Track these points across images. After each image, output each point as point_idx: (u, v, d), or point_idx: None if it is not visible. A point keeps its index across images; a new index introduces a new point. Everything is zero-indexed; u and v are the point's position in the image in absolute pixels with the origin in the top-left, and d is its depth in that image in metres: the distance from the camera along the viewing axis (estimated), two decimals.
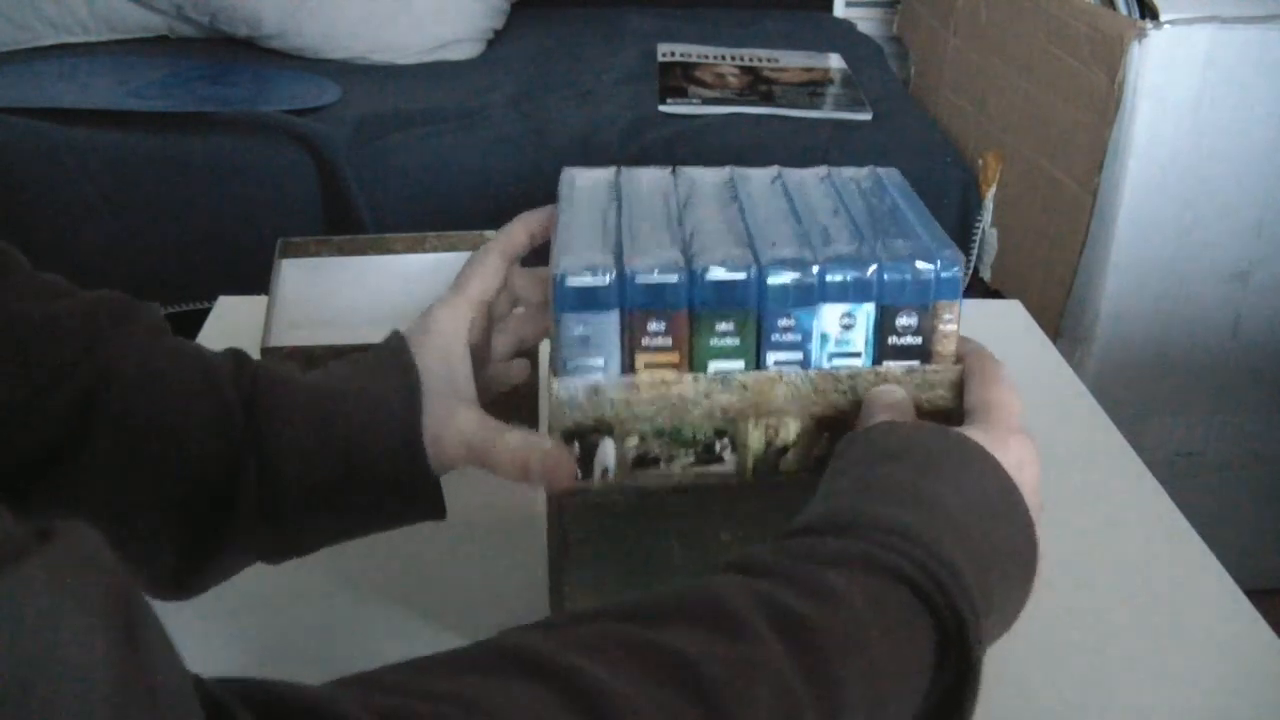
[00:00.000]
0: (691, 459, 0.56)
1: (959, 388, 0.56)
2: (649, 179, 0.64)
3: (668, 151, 1.66)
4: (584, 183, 0.63)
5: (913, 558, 0.44)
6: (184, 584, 0.56)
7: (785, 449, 0.57)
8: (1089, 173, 1.47)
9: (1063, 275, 1.53)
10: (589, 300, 0.53)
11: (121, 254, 1.61)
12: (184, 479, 0.53)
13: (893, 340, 0.55)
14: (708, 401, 0.55)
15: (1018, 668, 0.65)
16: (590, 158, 1.65)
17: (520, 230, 0.62)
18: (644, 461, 0.56)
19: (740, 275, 0.53)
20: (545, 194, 0.62)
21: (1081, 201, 1.49)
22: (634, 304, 0.53)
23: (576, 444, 0.56)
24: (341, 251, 0.90)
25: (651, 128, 1.72)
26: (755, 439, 0.56)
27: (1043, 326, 1.02)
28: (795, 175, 0.64)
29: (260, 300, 0.85)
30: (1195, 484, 1.60)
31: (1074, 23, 1.50)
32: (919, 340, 0.55)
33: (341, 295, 0.90)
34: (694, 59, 2.02)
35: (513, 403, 0.67)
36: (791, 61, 2.02)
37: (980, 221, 1.70)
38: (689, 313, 0.54)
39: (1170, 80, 1.39)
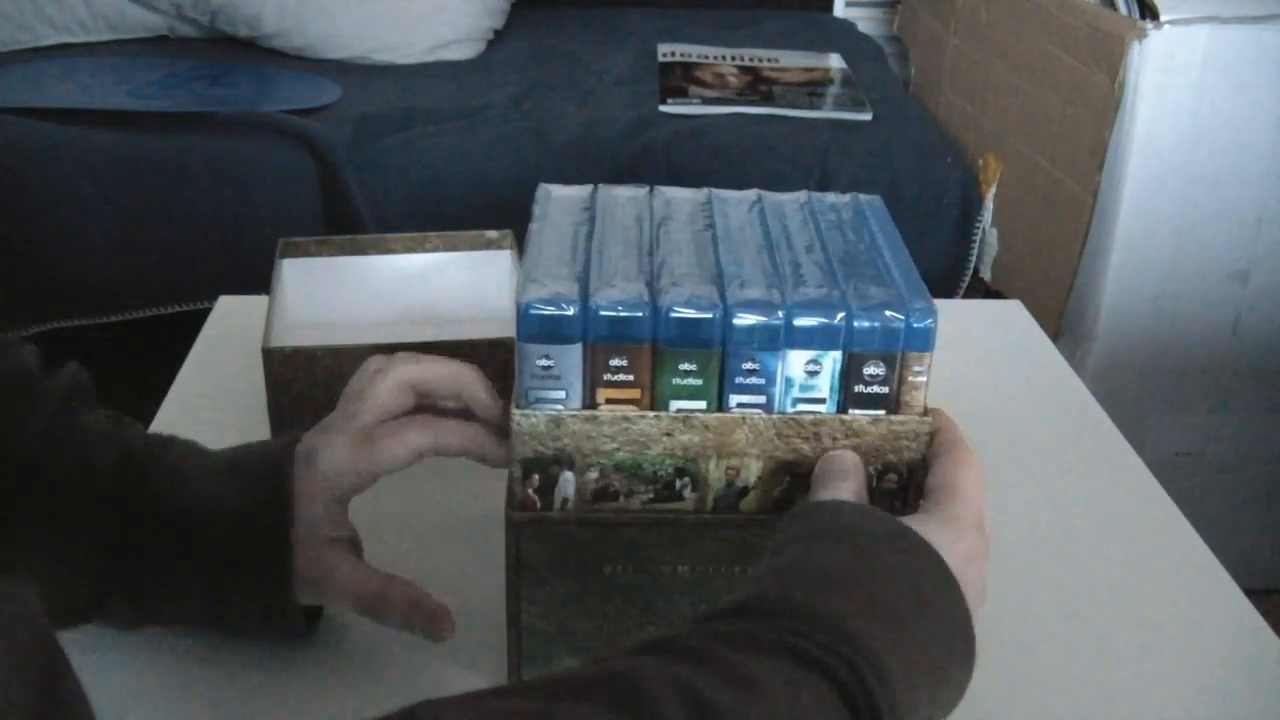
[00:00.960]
0: (651, 495, 0.56)
1: (925, 440, 0.55)
2: (625, 197, 0.63)
3: (667, 152, 1.66)
4: (559, 199, 0.62)
5: (840, 654, 0.44)
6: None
7: (746, 490, 0.57)
8: (1089, 173, 1.47)
9: (1063, 275, 1.54)
10: (552, 331, 0.53)
11: (121, 254, 1.61)
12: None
13: (859, 389, 0.55)
14: (669, 440, 0.55)
15: (1018, 668, 0.65)
16: (590, 158, 1.66)
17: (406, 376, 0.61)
18: (604, 495, 0.56)
19: (706, 315, 0.53)
20: None
21: (1081, 201, 1.49)
22: (597, 337, 0.53)
23: (536, 475, 0.56)
24: (341, 251, 0.90)
25: (651, 128, 1.72)
26: (716, 479, 0.56)
27: (1043, 326, 1.02)
28: (774, 200, 0.64)
29: (260, 300, 0.85)
30: (1195, 484, 1.60)
31: (1074, 23, 1.50)
32: (886, 390, 0.55)
33: (341, 295, 0.90)
34: (694, 59, 2.02)
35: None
36: (792, 61, 2.02)
37: (980, 221, 1.70)
38: (652, 348, 0.53)
39: (1170, 80, 1.39)
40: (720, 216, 0.61)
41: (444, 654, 0.63)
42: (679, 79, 1.91)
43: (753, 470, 0.56)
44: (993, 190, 1.70)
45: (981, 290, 1.72)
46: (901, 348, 0.54)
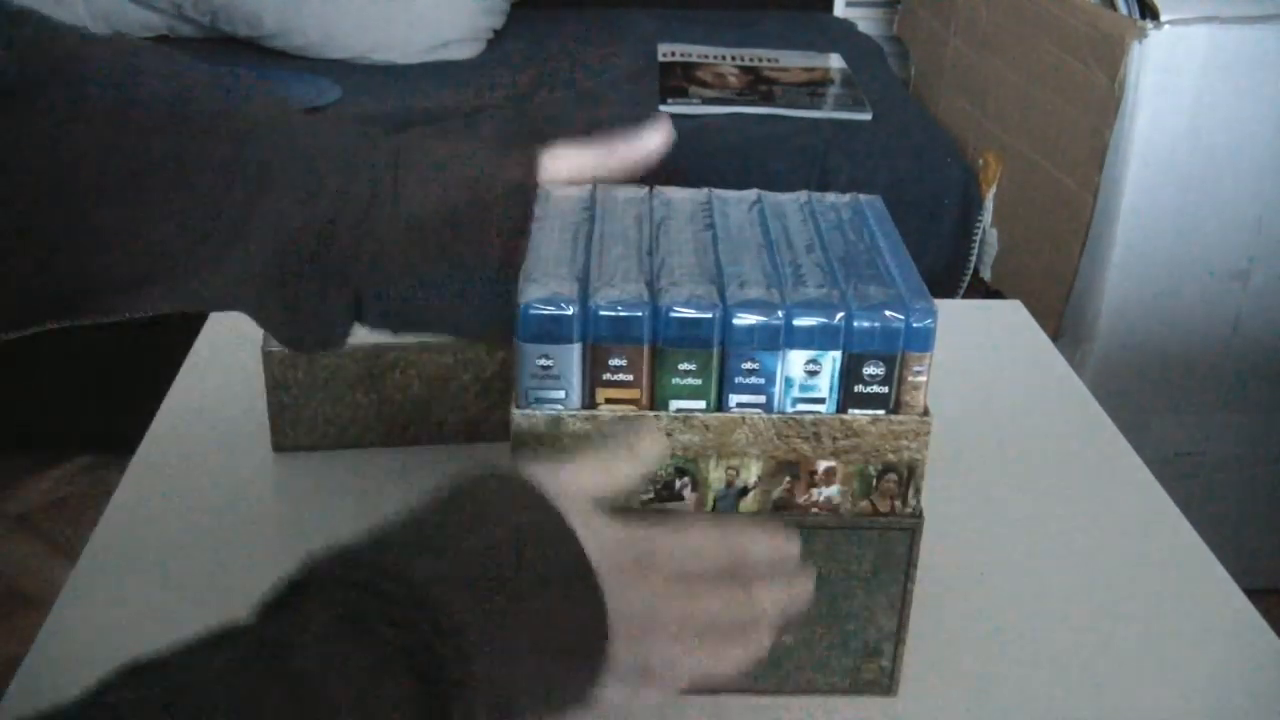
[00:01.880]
0: (651, 495, 0.56)
1: (926, 440, 0.56)
2: (625, 197, 0.63)
3: (667, 152, 1.66)
4: (559, 199, 0.62)
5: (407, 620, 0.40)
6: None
7: (746, 490, 0.57)
8: (1089, 173, 1.47)
9: (1063, 275, 1.54)
10: (552, 331, 0.53)
11: None
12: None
13: (859, 388, 0.55)
14: (668, 440, 0.55)
15: (1017, 667, 0.65)
16: None
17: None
18: None
19: (705, 315, 0.53)
20: None
21: (1081, 201, 1.49)
22: (597, 336, 0.53)
23: None
24: None
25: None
26: (715, 479, 0.56)
27: (1043, 326, 1.02)
28: (774, 200, 0.64)
29: None
30: (1195, 484, 1.60)
31: (1074, 23, 1.50)
32: (886, 390, 0.55)
33: None
34: (694, 59, 2.02)
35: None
36: (792, 61, 2.02)
37: (980, 221, 1.70)
38: (652, 348, 0.53)
39: (1170, 80, 1.39)
40: (720, 216, 0.61)
41: None
42: (679, 79, 1.91)
43: (752, 470, 0.56)
44: (993, 190, 1.70)
45: (981, 290, 1.72)
46: (901, 348, 0.54)
